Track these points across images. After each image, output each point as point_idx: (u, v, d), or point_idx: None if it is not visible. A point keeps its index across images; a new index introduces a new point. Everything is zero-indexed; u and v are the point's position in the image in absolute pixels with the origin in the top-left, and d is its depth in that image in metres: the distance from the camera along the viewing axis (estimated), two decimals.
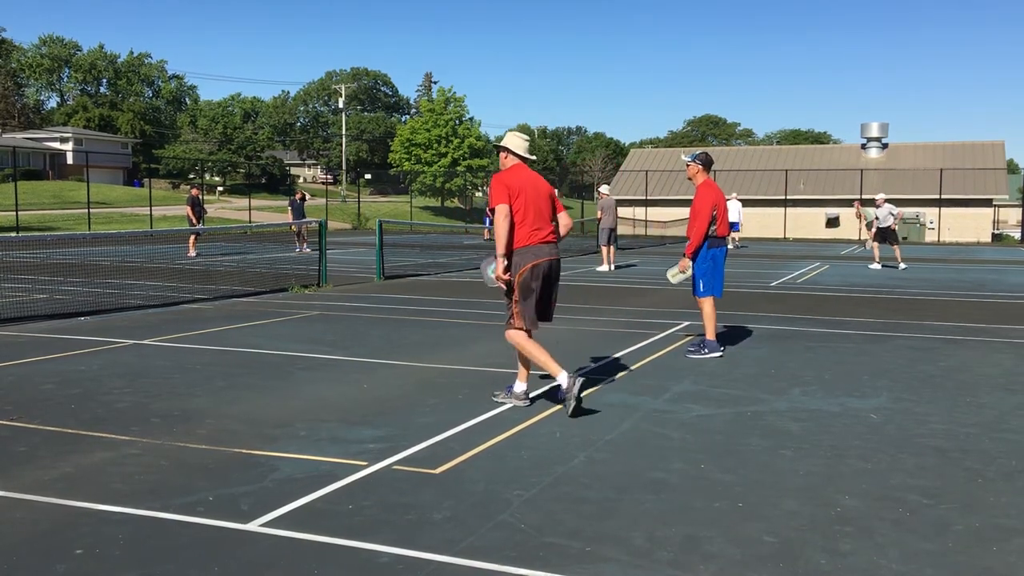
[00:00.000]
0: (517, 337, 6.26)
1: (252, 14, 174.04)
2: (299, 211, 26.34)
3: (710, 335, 8.59)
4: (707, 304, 8.64)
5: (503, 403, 6.38)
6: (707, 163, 8.64)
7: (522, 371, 6.47)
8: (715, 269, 8.62)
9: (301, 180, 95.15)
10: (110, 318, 10.87)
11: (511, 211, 6.10)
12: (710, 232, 8.51)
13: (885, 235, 21.77)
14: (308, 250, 24.67)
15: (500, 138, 6.59)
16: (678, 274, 9.02)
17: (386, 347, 9.00)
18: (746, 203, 48.04)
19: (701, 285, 8.62)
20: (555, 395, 6.71)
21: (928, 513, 4.29)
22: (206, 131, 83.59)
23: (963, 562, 3.70)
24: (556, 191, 6.51)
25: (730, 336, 9.92)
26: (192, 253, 22.86)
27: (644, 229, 43.21)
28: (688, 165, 8.68)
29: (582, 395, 6.03)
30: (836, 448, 5.40)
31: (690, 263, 8.54)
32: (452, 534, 3.92)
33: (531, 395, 6.60)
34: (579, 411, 6.04)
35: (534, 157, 6.53)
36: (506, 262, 6.14)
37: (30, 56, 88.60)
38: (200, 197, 25.13)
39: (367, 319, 11.20)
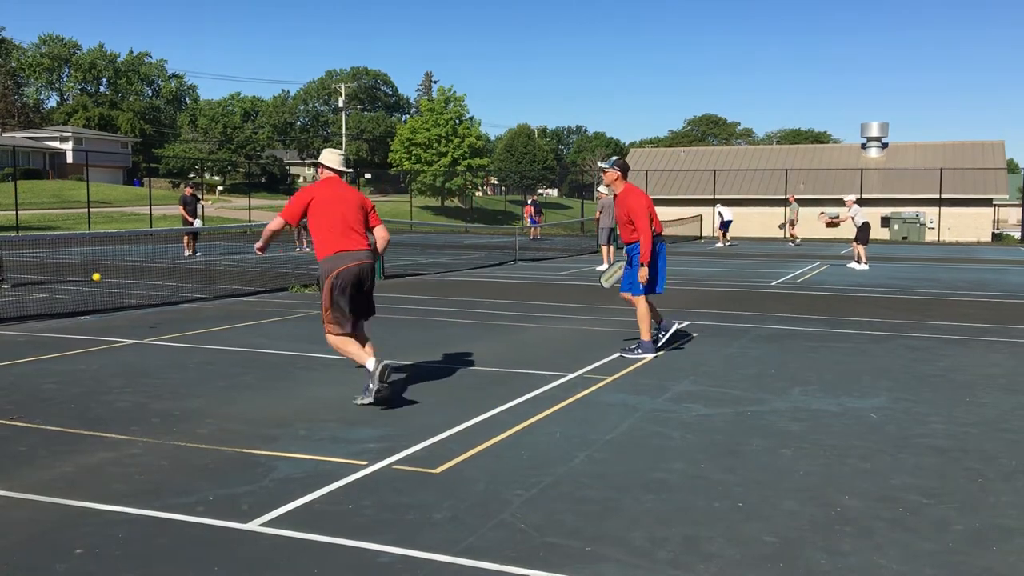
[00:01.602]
0: (334, 341, 6.48)
1: (252, 14, 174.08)
2: None
3: (645, 336, 8.49)
4: (641, 304, 8.53)
5: (361, 402, 6.29)
6: (625, 169, 8.67)
7: (364, 355, 6.42)
8: (655, 267, 8.58)
9: (301, 179, 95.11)
10: (110, 318, 10.87)
11: (293, 224, 6.59)
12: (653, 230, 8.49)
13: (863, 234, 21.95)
14: (308, 249, 24.73)
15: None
16: (610, 277, 9.04)
17: (386, 347, 8.99)
18: (746, 203, 48.13)
19: (626, 283, 8.60)
20: (553, 396, 6.72)
21: (928, 513, 4.29)
22: (206, 130, 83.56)
23: (963, 562, 3.70)
24: (373, 204, 6.87)
25: (730, 336, 9.92)
26: (187, 252, 22.87)
27: None
28: (606, 172, 8.65)
29: (388, 380, 6.22)
30: (836, 448, 5.40)
31: (647, 270, 8.42)
32: (452, 534, 3.93)
33: (526, 397, 6.60)
34: (383, 399, 6.21)
35: (349, 169, 6.86)
36: (263, 248, 6.83)
37: (30, 55, 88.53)
38: (195, 195, 25.12)
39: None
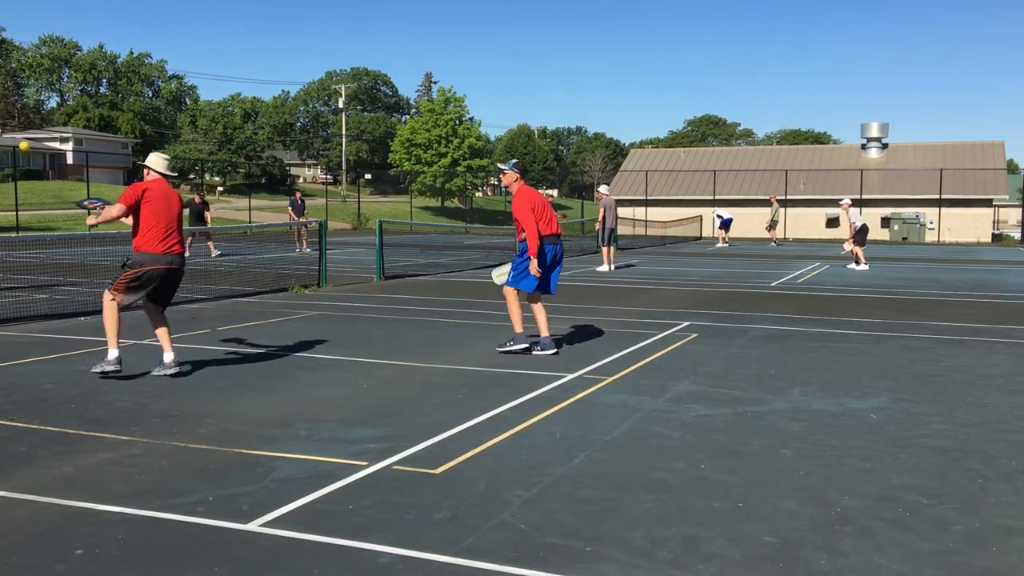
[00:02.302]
0: (107, 301, 7.24)
1: (252, 14, 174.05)
2: (300, 211, 27.05)
3: (517, 328, 8.59)
4: (512, 297, 8.64)
5: (100, 370, 7.15)
6: (523, 171, 8.99)
7: (115, 340, 7.20)
8: (541, 266, 8.63)
9: (301, 180, 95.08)
10: None
11: (133, 212, 7.20)
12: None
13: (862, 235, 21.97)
14: (309, 250, 24.77)
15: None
16: (502, 273, 9.11)
17: (386, 347, 9.00)
18: (746, 203, 48.09)
19: (510, 276, 8.72)
20: (553, 396, 6.73)
21: (928, 513, 4.29)
22: (206, 131, 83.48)
23: (963, 562, 3.70)
24: (183, 210, 7.63)
25: (730, 336, 9.93)
26: (214, 252, 23.13)
27: (644, 229, 43.19)
28: (505, 173, 8.90)
29: (107, 372, 7.10)
30: (836, 448, 5.40)
31: (535, 263, 8.49)
32: (452, 534, 3.92)
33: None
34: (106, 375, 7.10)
35: (174, 174, 7.71)
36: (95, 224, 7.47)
37: (30, 56, 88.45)
38: (205, 202, 25.40)
39: (367, 319, 11.21)
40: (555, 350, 8.57)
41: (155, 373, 7.39)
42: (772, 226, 36.26)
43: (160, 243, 7.25)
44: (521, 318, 8.62)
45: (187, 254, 23.05)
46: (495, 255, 25.34)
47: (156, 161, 7.51)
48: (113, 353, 7.16)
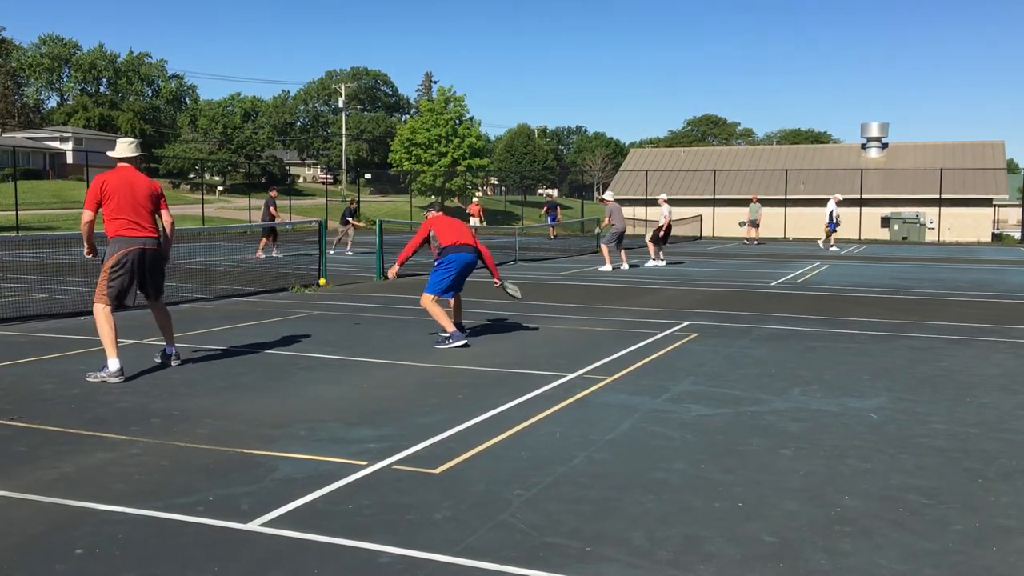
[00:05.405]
0: (97, 310, 7.17)
1: (252, 14, 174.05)
2: (346, 218, 27.24)
3: (449, 328, 9.07)
4: (427, 301, 9.27)
5: (94, 379, 7.02)
6: (440, 210, 9.90)
7: (113, 347, 7.11)
8: (447, 273, 9.35)
9: (301, 180, 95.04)
10: None
11: (96, 213, 7.18)
12: (439, 244, 9.40)
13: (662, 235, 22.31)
14: (332, 252, 24.41)
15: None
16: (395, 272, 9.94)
17: (386, 347, 9.00)
18: (746, 203, 48.07)
19: (429, 286, 9.39)
20: (553, 395, 6.72)
21: (928, 513, 4.29)
22: (206, 131, 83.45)
23: (963, 562, 3.70)
24: (162, 191, 7.54)
25: (731, 336, 9.93)
26: (261, 254, 22.58)
27: (644, 229, 43.14)
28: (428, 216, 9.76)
29: (105, 381, 6.98)
30: (836, 448, 5.40)
31: (396, 269, 9.69)
32: (452, 534, 3.93)
33: (524, 396, 6.60)
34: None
35: (137, 152, 7.49)
36: (91, 252, 7.41)
37: (30, 56, 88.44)
38: (275, 199, 25.52)
39: (367, 319, 11.20)
40: (464, 341, 9.03)
41: (173, 364, 7.70)
42: (754, 226, 36.16)
43: (128, 227, 7.20)
44: (447, 317, 9.20)
45: (264, 255, 22.82)
46: (495, 254, 25.30)
47: (120, 147, 7.43)
48: (114, 364, 7.05)
